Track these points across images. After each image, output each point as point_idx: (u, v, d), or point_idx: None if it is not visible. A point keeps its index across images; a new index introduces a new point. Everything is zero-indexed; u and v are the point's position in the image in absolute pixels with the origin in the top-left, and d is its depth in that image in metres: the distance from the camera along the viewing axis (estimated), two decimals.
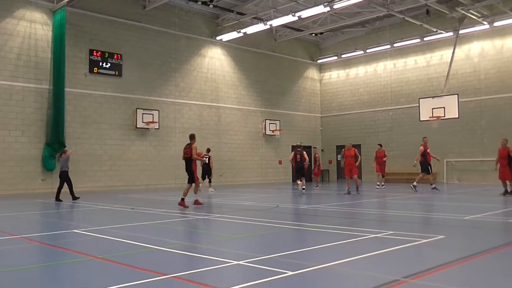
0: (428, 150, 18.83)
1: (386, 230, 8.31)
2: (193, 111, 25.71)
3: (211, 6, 24.98)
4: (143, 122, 23.14)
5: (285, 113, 30.39)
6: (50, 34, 20.93)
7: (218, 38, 26.52)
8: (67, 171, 15.94)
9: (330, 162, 32.26)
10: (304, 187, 18.79)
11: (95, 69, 21.96)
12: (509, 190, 15.73)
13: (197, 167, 13.47)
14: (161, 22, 24.50)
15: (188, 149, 13.18)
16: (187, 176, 13.38)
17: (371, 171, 27.16)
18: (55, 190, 16.08)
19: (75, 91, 21.44)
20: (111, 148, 22.39)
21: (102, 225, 9.61)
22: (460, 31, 24.57)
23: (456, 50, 24.81)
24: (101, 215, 12.13)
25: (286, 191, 21.13)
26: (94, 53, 21.95)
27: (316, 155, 22.38)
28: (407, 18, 24.59)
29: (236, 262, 5.82)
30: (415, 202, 14.96)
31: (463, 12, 22.70)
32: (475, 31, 24.89)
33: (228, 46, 27.48)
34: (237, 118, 27.82)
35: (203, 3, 24.70)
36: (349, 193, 17.49)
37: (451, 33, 25.19)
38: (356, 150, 18.08)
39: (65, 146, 20.27)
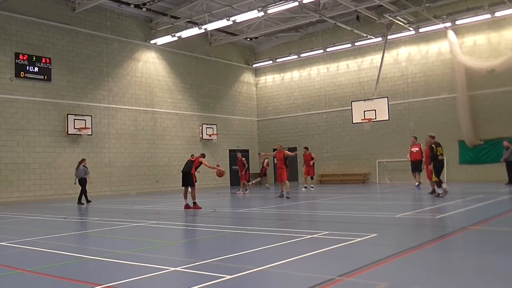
0: (412, 149, 18.46)
1: (321, 230, 8.50)
2: (127, 116, 25.10)
3: (144, 9, 24.50)
4: (74, 128, 22.29)
5: (222, 117, 30.38)
6: None
7: (152, 42, 26.08)
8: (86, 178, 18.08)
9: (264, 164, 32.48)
10: None
11: (22, 74, 20.89)
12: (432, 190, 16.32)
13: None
14: (92, 25, 23.74)
15: (196, 158, 14.47)
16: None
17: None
18: None
19: (0, 96, 20.31)
20: (41, 156, 21.39)
21: (32, 236, 9.14)
22: (388, 37, 25.66)
23: (385, 55, 25.89)
24: (31, 226, 11.54)
25: (224, 196, 21.12)
26: (20, 56, 20.89)
27: (243, 159, 22.23)
28: (338, 24, 25.35)
29: (173, 269, 5.73)
30: (349, 202, 15.42)
31: (390, 18, 23.72)
32: (402, 36, 26.08)
33: (162, 50, 27.09)
34: (173, 122, 27.46)
35: (135, 6, 24.18)
36: (281, 196, 17.30)
37: (380, 39, 26.25)
38: (286, 151, 17.62)
39: None
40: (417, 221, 9.98)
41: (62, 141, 22.23)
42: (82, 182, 18.08)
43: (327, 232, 8.26)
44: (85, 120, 22.69)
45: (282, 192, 17.62)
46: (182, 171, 14.45)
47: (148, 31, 26.40)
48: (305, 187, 22.29)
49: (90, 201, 18.12)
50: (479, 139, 24.18)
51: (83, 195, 18.13)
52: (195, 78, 28.96)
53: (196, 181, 14.35)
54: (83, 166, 18.16)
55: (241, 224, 10.67)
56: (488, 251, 6.47)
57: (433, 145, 14.78)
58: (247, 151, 31.49)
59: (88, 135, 22.87)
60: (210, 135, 28.92)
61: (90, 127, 22.83)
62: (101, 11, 24.09)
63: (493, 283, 4.83)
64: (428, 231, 8.44)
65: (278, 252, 6.76)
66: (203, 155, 14.90)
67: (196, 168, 14.39)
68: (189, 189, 14.18)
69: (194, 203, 13.89)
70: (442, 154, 14.84)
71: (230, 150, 30.58)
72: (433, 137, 15.17)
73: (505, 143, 20.70)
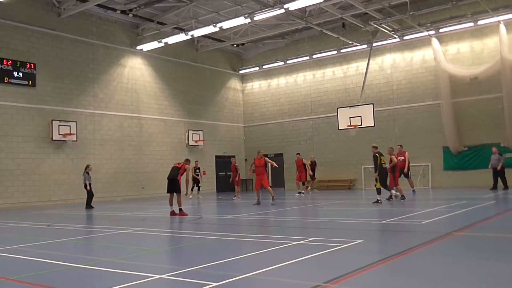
0: (399, 158, 18.24)
1: (308, 236, 8.50)
2: (113, 122, 24.92)
3: (130, 15, 24.41)
4: (59, 134, 22.06)
5: (208, 123, 30.32)
6: None
7: (138, 47, 25.97)
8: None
9: (254, 171, 32.49)
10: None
11: (6, 79, 20.63)
12: (393, 195, 16.36)
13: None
14: (77, 30, 23.58)
15: (182, 164, 14.33)
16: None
17: (293, 179, 27.75)
18: None
19: None
20: (24, 162, 21.12)
21: (15, 244, 9.00)
22: (374, 44, 25.87)
23: (371, 62, 26.07)
24: (14, 234, 11.37)
25: (210, 202, 21.06)
26: (4, 62, 20.63)
27: (236, 164, 22.44)
28: (324, 31, 25.52)
29: (158, 276, 5.69)
30: (335, 208, 15.46)
31: (375, 26, 23.94)
32: (387, 44, 26.35)
33: (149, 56, 27.00)
34: (159, 128, 27.34)
35: (122, 12, 24.09)
36: (258, 203, 16.78)
37: (365, 46, 26.45)
38: (266, 158, 17.35)
39: None
40: (402, 227, 10.04)
41: (46, 147, 21.99)
42: (86, 188, 18.67)
43: (313, 238, 8.27)
44: (70, 126, 22.48)
45: (259, 199, 17.12)
46: (167, 178, 14.35)
47: (134, 37, 26.30)
48: (299, 193, 22.24)
49: (91, 207, 18.41)
50: (463, 146, 24.47)
51: (89, 200, 18.69)
52: (182, 84, 28.89)
53: (181, 190, 14.19)
54: (85, 172, 18.61)
55: (227, 230, 10.62)
56: (473, 256, 6.53)
57: (377, 155, 15.42)
58: (234, 157, 31.45)
59: (73, 141, 22.66)
60: (196, 141, 28.84)
61: (75, 133, 22.63)
62: (87, 16, 23.95)
63: (479, 287, 4.88)
64: (413, 237, 8.49)
65: (265, 258, 6.74)
66: (187, 161, 14.78)
67: (182, 175, 14.29)
68: (175, 195, 14.07)
69: (180, 209, 13.82)
70: (385, 163, 15.79)
71: (216, 156, 30.53)
72: (376, 147, 15.98)
73: (494, 149, 20.87)
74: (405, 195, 16.78)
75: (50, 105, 22.24)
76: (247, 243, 8.37)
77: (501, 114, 23.09)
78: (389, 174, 16.36)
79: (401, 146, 19.54)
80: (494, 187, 20.41)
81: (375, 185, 15.81)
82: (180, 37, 24.43)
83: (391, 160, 16.56)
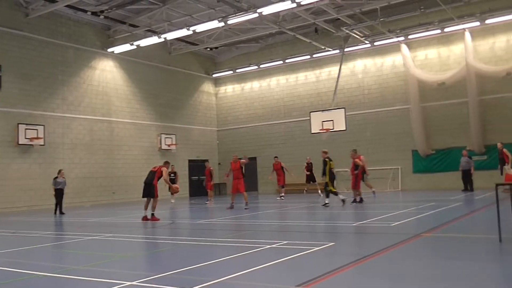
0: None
1: (280, 240, 8.50)
2: (83, 126, 24.45)
3: (102, 17, 24.05)
4: (26, 138, 21.48)
5: (181, 127, 30.09)
6: None
7: (109, 50, 25.61)
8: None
9: (227, 175, 32.37)
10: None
11: None
12: (356, 198, 16.77)
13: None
14: (46, 31, 23.08)
15: (158, 168, 14.01)
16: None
17: (266, 183, 27.82)
18: None
19: None
20: None
21: None
22: (345, 49, 26.20)
23: (342, 66, 26.40)
24: None
25: (183, 206, 20.88)
26: None
27: (211, 168, 22.30)
28: (297, 36, 25.72)
29: (129, 283, 5.58)
30: (308, 211, 15.54)
31: (347, 31, 24.28)
32: (358, 49, 26.72)
33: (120, 59, 26.64)
34: (130, 132, 26.96)
35: (93, 13, 23.72)
36: (232, 207, 16.85)
37: (337, 51, 26.77)
38: (241, 161, 17.56)
39: None
40: (373, 229, 10.15)
41: (12, 151, 21.37)
42: (61, 192, 18.35)
43: (286, 242, 8.27)
44: (37, 129, 21.92)
45: (233, 203, 17.18)
46: (144, 182, 14.09)
47: (105, 39, 25.92)
48: (280, 197, 22.07)
49: (59, 214, 17.96)
50: (431, 149, 24.98)
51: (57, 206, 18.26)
52: (154, 87, 28.60)
53: (157, 195, 13.88)
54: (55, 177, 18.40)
55: (200, 235, 10.54)
56: (440, 257, 6.64)
57: (326, 160, 15.79)
58: (207, 160, 31.29)
59: (40, 145, 22.08)
60: (169, 145, 28.56)
61: (43, 137, 22.08)
62: (56, 17, 23.47)
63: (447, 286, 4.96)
64: (383, 239, 8.59)
65: (237, 263, 6.71)
66: (166, 163, 14.58)
67: (159, 178, 14.02)
68: (151, 200, 13.84)
69: (152, 214, 13.63)
70: (334, 168, 16.41)
71: (189, 160, 30.32)
72: (326, 152, 16.54)
73: (464, 152, 21.32)
74: (364, 198, 17.12)
75: (16, 108, 21.65)
76: (220, 248, 8.32)
77: (466, 118, 23.67)
78: (351, 176, 16.75)
79: (355, 150, 19.44)
80: (466, 189, 20.78)
81: (328, 190, 16.04)
82: (153, 39, 24.23)
83: (355, 164, 16.85)
